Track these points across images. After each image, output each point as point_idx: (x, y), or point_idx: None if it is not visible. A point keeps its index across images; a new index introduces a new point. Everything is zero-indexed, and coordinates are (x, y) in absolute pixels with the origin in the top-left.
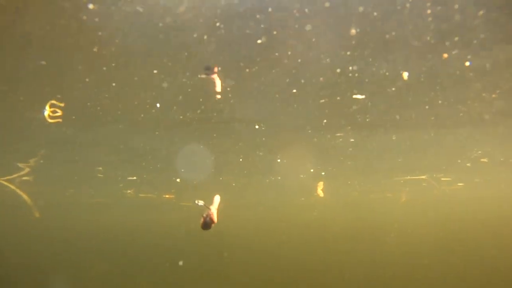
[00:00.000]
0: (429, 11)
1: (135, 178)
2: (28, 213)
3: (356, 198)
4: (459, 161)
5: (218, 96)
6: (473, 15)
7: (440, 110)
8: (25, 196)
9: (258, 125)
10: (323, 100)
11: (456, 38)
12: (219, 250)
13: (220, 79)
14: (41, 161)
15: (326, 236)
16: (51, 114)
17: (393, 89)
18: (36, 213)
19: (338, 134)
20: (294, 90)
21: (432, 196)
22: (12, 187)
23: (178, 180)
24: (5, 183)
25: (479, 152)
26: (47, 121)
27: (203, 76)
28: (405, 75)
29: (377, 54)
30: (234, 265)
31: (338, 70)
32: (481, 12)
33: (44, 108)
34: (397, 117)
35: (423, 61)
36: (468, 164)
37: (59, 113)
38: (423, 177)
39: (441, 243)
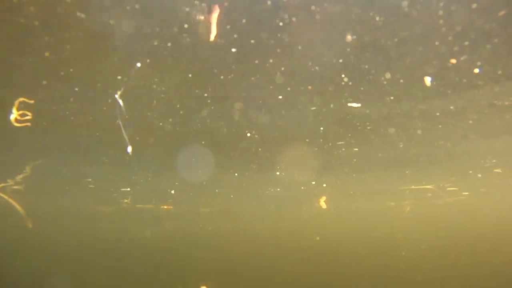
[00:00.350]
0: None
1: (129, 189)
2: (20, 224)
3: (359, 208)
4: (470, 171)
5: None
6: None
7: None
8: (17, 206)
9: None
10: (313, 108)
11: (466, 43)
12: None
13: None
14: (30, 171)
15: (328, 246)
16: (18, 117)
17: (392, 97)
18: (29, 223)
19: (340, 143)
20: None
21: (437, 206)
22: (5, 197)
23: (172, 192)
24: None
25: (494, 161)
26: (13, 125)
27: None
28: (428, 80)
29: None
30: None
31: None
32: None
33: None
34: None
35: (428, 66)
36: (479, 175)
37: (29, 116)
38: (430, 186)
39: (446, 254)
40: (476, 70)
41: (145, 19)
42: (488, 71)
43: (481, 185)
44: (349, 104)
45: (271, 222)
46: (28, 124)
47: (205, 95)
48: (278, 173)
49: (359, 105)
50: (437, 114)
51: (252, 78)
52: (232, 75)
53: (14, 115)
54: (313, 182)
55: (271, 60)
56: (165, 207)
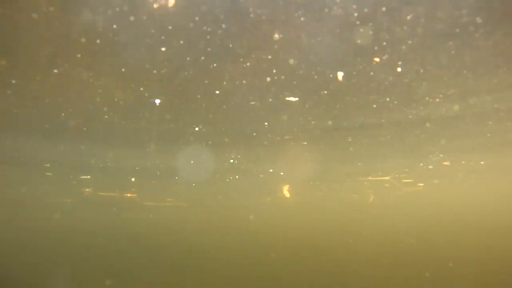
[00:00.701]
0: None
1: (89, 177)
2: None
3: (322, 198)
4: (421, 164)
5: None
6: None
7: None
8: None
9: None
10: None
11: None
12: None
13: None
14: None
15: (292, 239)
16: None
17: (325, 92)
18: None
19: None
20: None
21: (396, 197)
22: None
23: (133, 179)
24: None
25: (441, 155)
26: None
27: None
28: (340, 75)
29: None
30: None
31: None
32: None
33: None
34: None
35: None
36: (430, 167)
37: None
38: (387, 178)
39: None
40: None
41: None
42: None
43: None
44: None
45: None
46: None
47: None
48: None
49: None
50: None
51: None
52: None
53: None
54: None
55: None
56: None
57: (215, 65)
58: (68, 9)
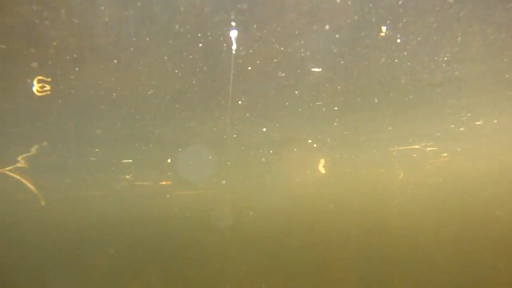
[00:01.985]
0: None
1: (131, 161)
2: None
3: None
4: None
5: None
6: None
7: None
8: (29, 185)
9: None
10: None
11: None
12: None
13: None
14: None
15: (319, 216)
16: (39, 89)
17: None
18: (42, 201)
19: (318, 103)
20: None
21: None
22: (17, 176)
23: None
24: (9, 173)
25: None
26: (35, 95)
27: None
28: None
29: None
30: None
31: None
32: None
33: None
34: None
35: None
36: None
37: (48, 87)
38: (417, 146)
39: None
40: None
41: None
42: None
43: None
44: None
45: None
46: None
47: None
48: None
49: None
50: None
51: None
52: None
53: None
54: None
55: None
56: None
57: None
58: None
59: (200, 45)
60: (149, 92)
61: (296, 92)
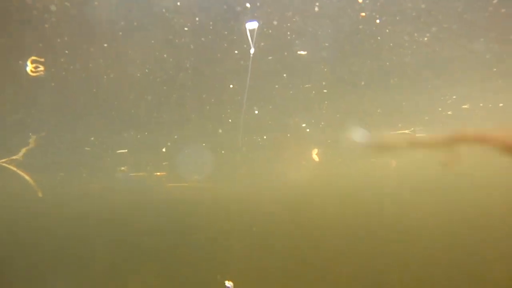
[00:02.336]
0: None
1: (126, 150)
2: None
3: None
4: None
5: None
6: None
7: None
8: (26, 176)
9: None
10: None
11: None
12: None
13: None
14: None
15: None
16: (33, 69)
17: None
18: (39, 192)
19: (307, 86)
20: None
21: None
22: (13, 168)
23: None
24: (5, 165)
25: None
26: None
27: None
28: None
29: None
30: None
31: None
32: None
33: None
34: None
35: None
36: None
37: (41, 68)
38: (406, 131)
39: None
40: None
41: None
42: None
43: None
44: None
45: None
46: None
47: None
48: None
49: None
50: None
51: None
52: None
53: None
54: None
55: None
56: None
57: None
58: None
59: (186, 29)
60: (140, 75)
61: (285, 75)
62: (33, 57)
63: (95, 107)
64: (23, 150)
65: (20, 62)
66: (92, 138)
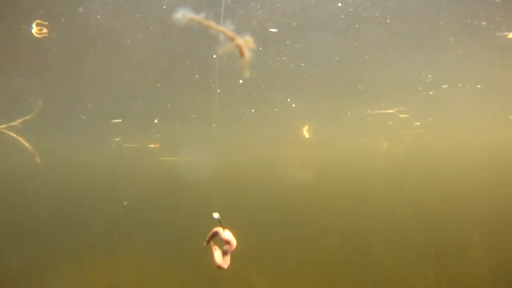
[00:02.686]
0: None
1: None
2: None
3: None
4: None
5: None
6: None
7: None
8: (25, 142)
9: None
10: None
11: None
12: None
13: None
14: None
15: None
16: (38, 32)
17: None
18: (37, 158)
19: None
20: None
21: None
22: (13, 134)
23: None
24: (5, 130)
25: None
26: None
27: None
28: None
29: None
30: None
31: None
32: None
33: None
34: None
35: None
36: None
37: (45, 30)
38: (391, 111)
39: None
40: None
41: None
42: None
43: None
44: None
45: None
46: None
47: None
48: None
49: None
50: None
51: None
52: None
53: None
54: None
55: None
56: None
57: None
58: None
59: None
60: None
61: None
62: (38, 20)
63: (92, 75)
64: (22, 117)
65: (23, 26)
66: (90, 105)
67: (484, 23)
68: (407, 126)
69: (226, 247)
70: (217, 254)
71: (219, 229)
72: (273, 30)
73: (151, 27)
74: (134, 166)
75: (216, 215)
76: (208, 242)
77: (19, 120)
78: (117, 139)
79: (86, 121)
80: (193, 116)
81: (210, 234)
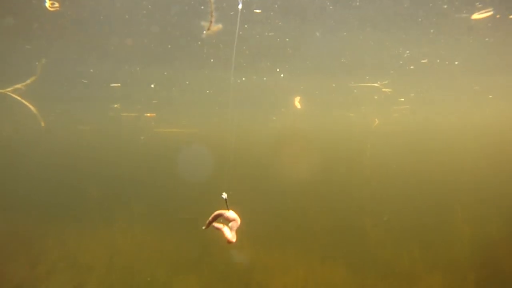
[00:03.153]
0: None
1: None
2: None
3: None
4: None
5: None
6: None
7: None
8: (30, 106)
9: None
10: None
11: None
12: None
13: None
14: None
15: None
16: (50, 5)
17: None
18: (42, 122)
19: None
20: None
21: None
22: (18, 97)
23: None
24: (10, 93)
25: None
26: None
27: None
28: None
29: None
30: None
31: None
32: None
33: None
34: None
35: None
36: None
37: (57, 4)
38: (376, 84)
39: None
40: None
41: None
42: None
43: None
44: None
45: None
46: None
47: None
48: None
49: None
50: None
51: None
52: None
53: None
54: None
55: None
56: None
57: None
58: None
59: None
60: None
61: (246, 26)
62: None
63: (97, 40)
64: (27, 80)
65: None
66: (92, 70)
67: (445, 6)
68: (393, 102)
69: (232, 224)
70: (226, 230)
71: (221, 212)
72: (257, 11)
73: None
74: (132, 135)
75: (224, 195)
76: (208, 226)
77: (24, 83)
78: (115, 105)
79: (87, 85)
80: (187, 82)
81: (210, 218)
